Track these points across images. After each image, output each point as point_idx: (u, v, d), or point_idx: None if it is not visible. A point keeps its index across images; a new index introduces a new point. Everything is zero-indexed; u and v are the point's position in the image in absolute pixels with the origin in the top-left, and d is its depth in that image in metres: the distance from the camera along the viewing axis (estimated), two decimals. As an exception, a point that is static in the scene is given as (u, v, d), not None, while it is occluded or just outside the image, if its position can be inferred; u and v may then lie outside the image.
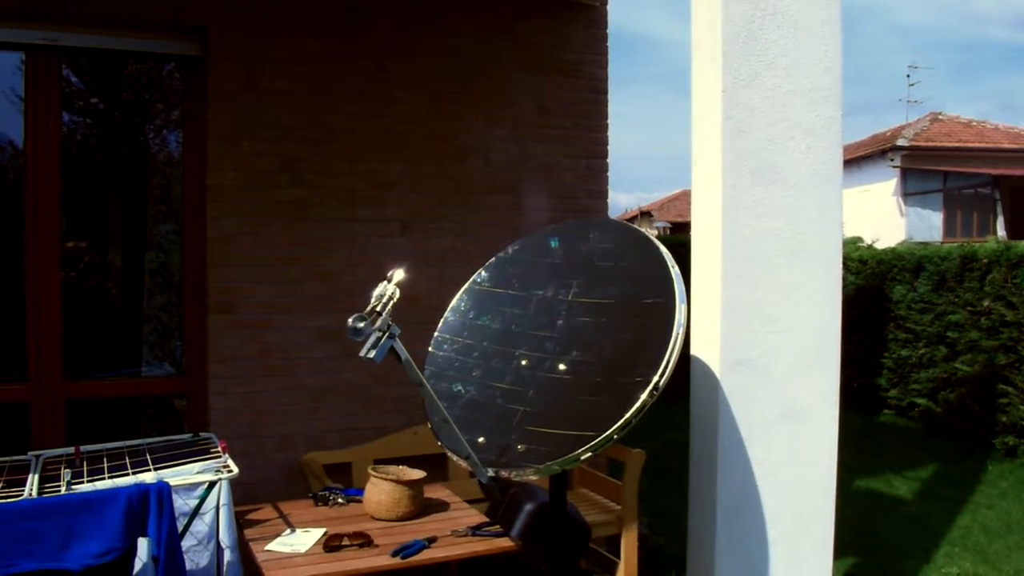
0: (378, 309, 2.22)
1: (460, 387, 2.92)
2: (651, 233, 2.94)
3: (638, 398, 2.45)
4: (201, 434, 3.61)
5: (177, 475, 3.01)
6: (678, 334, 2.53)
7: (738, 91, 3.17)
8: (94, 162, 4.69)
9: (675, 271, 2.67)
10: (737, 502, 3.23)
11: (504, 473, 2.56)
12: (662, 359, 2.48)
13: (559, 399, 2.71)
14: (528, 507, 3.25)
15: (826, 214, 3.34)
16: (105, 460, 3.20)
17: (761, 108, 3.21)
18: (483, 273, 3.21)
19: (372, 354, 2.21)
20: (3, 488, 2.92)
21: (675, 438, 3.35)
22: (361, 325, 2.18)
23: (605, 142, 5.07)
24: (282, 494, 3.99)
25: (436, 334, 3.13)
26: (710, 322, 3.21)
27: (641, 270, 2.80)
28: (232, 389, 4.28)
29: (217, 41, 4.23)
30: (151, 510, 2.76)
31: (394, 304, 2.26)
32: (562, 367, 2.76)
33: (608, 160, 5.09)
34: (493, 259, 3.22)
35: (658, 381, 2.44)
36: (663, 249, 2.76)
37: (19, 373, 4.10)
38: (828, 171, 3.34)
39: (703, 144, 3.26)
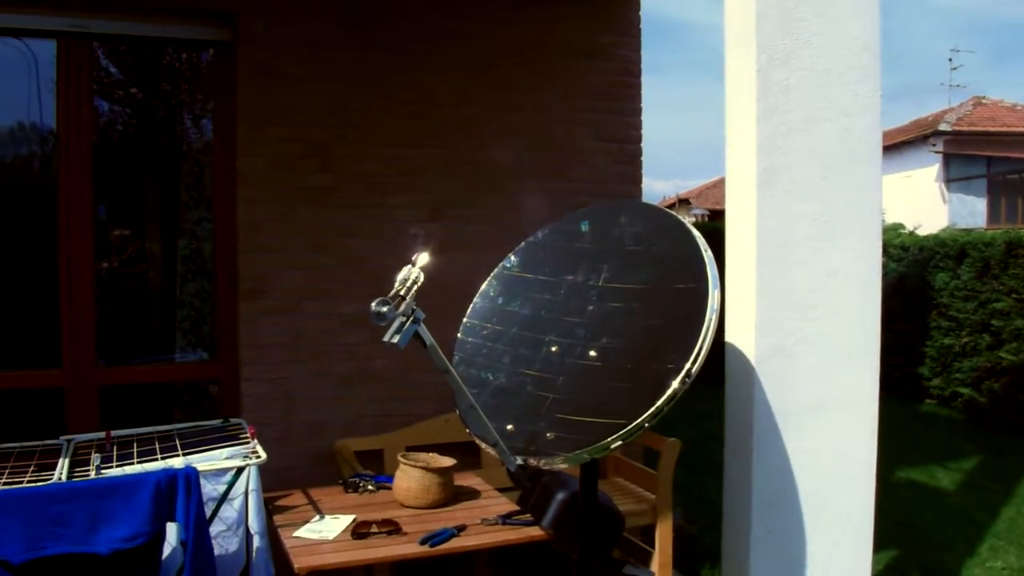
0: (402, 293, 2.17)
1: (489, 374, 2.88)
2: (688, 220, 2.86)
3: (670, 385, 2.38)
4: (231, 420, 3.61)
5: (206, 460, 3.01)
6: (711, 320, 2.46)
7: (772, 70, 3.08)
8: (126, 149, 4.71)
9: (708, 255, 2.59)
10: (773, 493, 3.16)
11: (533, 461, 2.51)
12: (694, 346, 2.41)
13: (589, 386, 2.65)
14: (560, 496, 3.21)
15: (864, 197, 3.23)
16: (135, 445, 3.21)
17: (796, 88, 3.11)
18: (512, 258, 3.15)
19: (396, 339, 2.17)
20: (34, 472, 2.94)
21: (713, 427, 3.28)
22: (384, 309, 2.13)
23: (639, 126, 4.99)
24: (313, 480, 3.98)
25: (465, 320, 3.08)
26: (745, 308, 3.13)
27: (673, 254, 2.72)
28: (263, 375, 4.28)
29: (246, 26, 4.22)
30: (179, 495, 2.76)
31: (418, 288, 2.21)
32: (592, 354, 2.70)
33: (642, 145, 5.01)
34: (523, 243, 3.16)
35: (690, 368, 2.37)
36: (696, 233, 2.69)
37: (54, 359, 4.13)
38: (866, 153, 3.24)
39: (736, 126, 3.18)
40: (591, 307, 2.83)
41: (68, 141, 4.08)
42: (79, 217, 4.10)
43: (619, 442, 2.37)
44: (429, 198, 4.58)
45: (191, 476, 2.78)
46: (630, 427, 2.36)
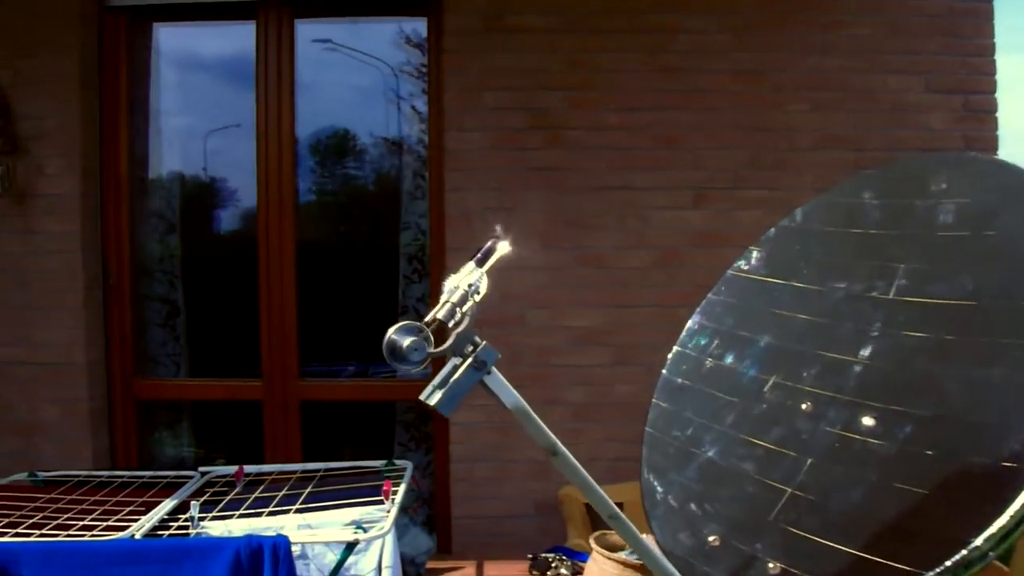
0: (440, 316, 1.21)
1: (695, 440, 1.81)
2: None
3: (1011, 501, 1.19)
4: (396, 462, 2.85)
5: (324, 524, 2.27)
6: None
7: None
8: (336, 134, 4.16)
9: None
10: None
11: (739, 612, 1.43)
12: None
13: (858, 481, 1.49)
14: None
15: None
16: (260, 488, 2.57)
17: None
18: (755, 253, 2.03)
19: (435, 399, 1.21)
20: (131, 513, 2.39)
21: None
22: (408, 342, 1.18)
23: (991, 70, 3.58)
24: (536, 535, 3.27)
25: (675, 348, 2.03)
26: None
27: (1027, 244, 1.49)
28: (473, 400, 3.49)
29: (454, -25, 3.49)
30: (265, 570, 2.05)
31: (476, 306, 1.25)
32: (868, 423, 1.53)
33: (996, 96, 3.56)
34: (772, 230, 2.03)
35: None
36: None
37: (255, 369, 3.70)
38: None
39: None
40: (873, 338, 1.65)
41: (267, 129, 3.66)
42: (279, 214, 3.66)
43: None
44: (690, 177, 3.57)
45: (280, 547, 2.07)
46: (921, 581, 1.20)
